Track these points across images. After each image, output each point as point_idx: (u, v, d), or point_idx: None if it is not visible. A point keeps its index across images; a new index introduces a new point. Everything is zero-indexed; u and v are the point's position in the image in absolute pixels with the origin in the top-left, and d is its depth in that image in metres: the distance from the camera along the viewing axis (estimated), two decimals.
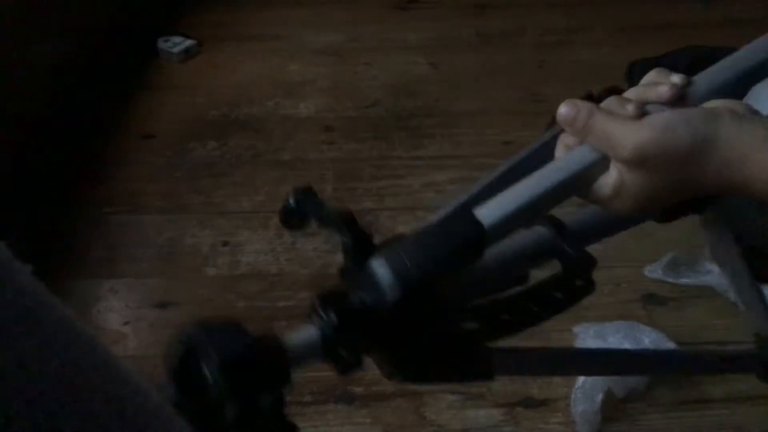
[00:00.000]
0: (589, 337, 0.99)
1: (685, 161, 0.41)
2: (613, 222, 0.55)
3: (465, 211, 0.43)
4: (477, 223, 0.43)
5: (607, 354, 0.58)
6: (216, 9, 1.85)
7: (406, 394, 0.97)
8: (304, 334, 0.41)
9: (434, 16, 1.81)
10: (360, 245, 0.44)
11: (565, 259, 0.48)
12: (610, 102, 0.44)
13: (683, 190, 0.42)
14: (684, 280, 1.11)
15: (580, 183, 0.44)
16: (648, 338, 0.99)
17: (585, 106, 0.44)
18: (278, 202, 1.17)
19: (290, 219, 0.47)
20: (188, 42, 1.69)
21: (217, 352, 0.37)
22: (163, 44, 1.68)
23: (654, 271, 1.12)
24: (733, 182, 0.40)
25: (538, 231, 0.50)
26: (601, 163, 0.43)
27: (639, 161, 0.41)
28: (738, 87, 0.47)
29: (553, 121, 0.77)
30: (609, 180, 0.43)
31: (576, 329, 1.02)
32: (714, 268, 1.09)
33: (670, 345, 0.98)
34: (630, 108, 0.43)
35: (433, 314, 0.43)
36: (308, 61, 1.67)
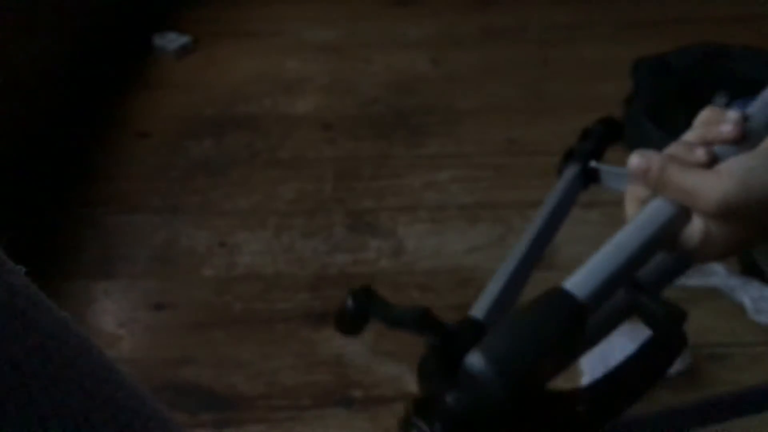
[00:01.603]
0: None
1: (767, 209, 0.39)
2: (680, 262, 0.53)
3: (554, 288, 0.41)
4: (574, 299, 0.40)
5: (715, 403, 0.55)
6: (212, 5, 1.84)
7: (406, 398, 0.96)
8: None
9: (435, 12, 1.79)
10: (448, 342, 0.41)
11: (652, 318, 0.45)
12: (676, 148, 0.43)
13: (766, 236, 0.41)
14: (689, 282, 1.09)
15: (664, 238, 0.43)
16: None
17: (657, 158, 0.42)
18: (276, 202, 1.16)
19: (349, 322, 0.44)
20: (184, 39, 1.68)
21: None
22: (158, 41, 1.66)
23: None
24: None
25: (624, 302, 0.46)
26: (683, 215, 0.42)
27: (723, 214, 0.40)
28: None
29: (567, 156, 0.76)
30: (694, 232, 0.42)
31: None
32: (720, 269, 1.08)
33: None
34: (701, 153, 0.42)
35: (542, 405, 0.40)
36: (306, 57, 1.65)
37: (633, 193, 0.45)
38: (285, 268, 1.15)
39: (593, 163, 0.71)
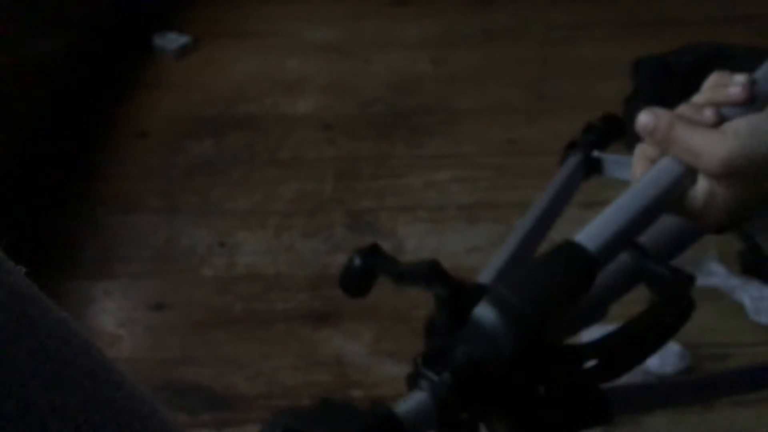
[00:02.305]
0: (593, 338, 0.98)
1: None
2: (689, 232, 0.53)
3: (565, 240, 0.41)
4: (585, 250, 0.40)
5: (723, 377, 0.56)
6: (212, 5, 1.84)
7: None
8: (415, 401, 0.37)
9: (435, 12, 1.79)
10: (458, 295, 0.40)
11: (660, 283, 0.45)
12: (685, 109, 0.43)
13: None
14: None
15: (671, 198, 0.43)
16: None
17: (665, 115, 0.42)
18: (276, 202, 1.16)
19: (355, 281, 0.43)
20: (184, 38, 1.67)
21: None
22: (158, 41, 1.66)
23: None
24: None
25: (620, 257, 0.47)
26: (690, 175, 0.42)
27: (728, 173, 0.40)
28: None
29: (569, 146, 0.76)
30: (699, 193, 0.42)
31: (582, 331, 1.00)
32: (720, 269, 1.08)
33: (676, 347, 0.97)
34: (708, 114, 0.42)
35: (552, 359, 0.39)
36: (307, 57, 1.65)
37: (642, 151, 0.45)
38: (285, 268, 1.15)
39: (596, 153, 0.71)
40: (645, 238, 0.49)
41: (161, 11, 1.78)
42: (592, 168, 0.72)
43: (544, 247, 0.51)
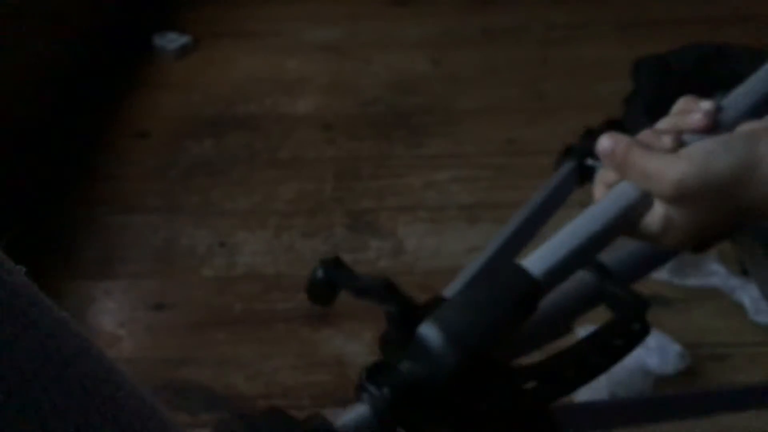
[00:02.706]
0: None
1: (729, 189, 0.39)
2: (655, 255, 0.53)
3: (510, 263, 0.41)
4: (527, 275, 0.40)
5: (674, 399, 0.56)
6: (212, 5, 1.84)
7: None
8: (355, 414, 0.38)
9: (435, 12, 1.79)
10: (405, 312, 0.41)
11: (617, 303, 0.45)
12: (645, 135, 0.43)
13: (732, 218, 0.41)
14: (690, 281, 1.09)
15: (626, 222, 0.43)
16: (653, 340, 0.98)
17: (623, 139, 0.42)
18: (276, 202, 1.16)
19: (319, 292, 0.45)
20: (184, 38, 1.67)
21: None
22: (158, 41, 1.66)
23: (660, 272, 1.10)
24: None
25: (581, 277, 0.47)
26: (645, 200, 0.42)
27: (680, 197, 0.40)
28: None
29: (565, 152, 0.76)
30: (655, 217, 0.42)
31: (580, 331, 1.00)
32: (720, 269, 1.08)
33: (676, 347, 0.97)
34: (666, 141, 0.42)
35: (491, 379, 0.40)
36: (306, 57, 1.65)
37: (602, 177, 0.45)
38: (285, 268, 1.15)
39: (590, 161, 0.71)
40: (609, 259, 0.49)
41: (161, 11, 1.78)
42: (585, 176, 0.72)
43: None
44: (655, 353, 0.96)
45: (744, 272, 1.07)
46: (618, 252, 0.51)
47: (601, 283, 0.47)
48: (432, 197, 1.27)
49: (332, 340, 1.02)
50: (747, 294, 1.05)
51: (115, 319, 1.08)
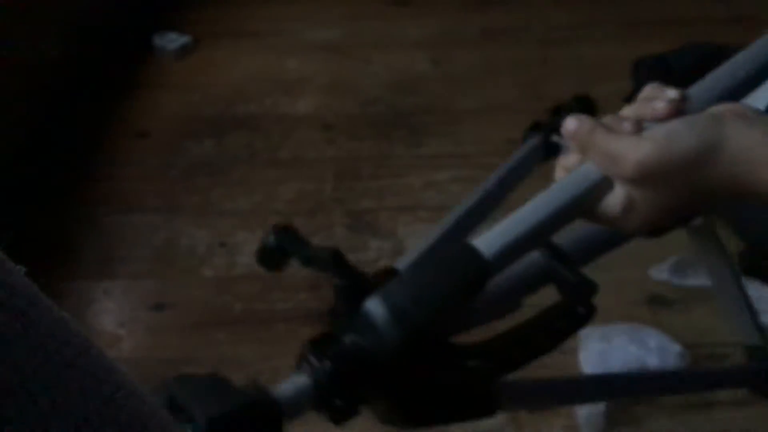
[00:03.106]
0: (594, 339, 0.98)
1: (692, 170, 0.39)
2: (608, 239, 0.53)
3: (462, 242, 0.41)
4: (478, 255, 0.40)
5: (612, 379, 0.55)
6: (212, 5, 1.84)
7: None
8: (295, 384, 0.39)
9: (435, 12, 1.79)
10: (353, 285, 0.41)
11: (565, 286, 0.46)
12: (608, 119, 0.43)
13: (695, 200, 0.41)
14: (690, 282, 1.09)
15: (584, 205, 0.42)
16: (653, 340, 0.98)
17: (587, 121, 0.42)
18: (276, 202, 1.16)
19: (269, 258, 0.45)
20: (184, 38, 1.67)
21: (205, 411, 0.34)
22: (158, 41, 1.66)
23: (660, 273, 1.11)
24: (744, 185, 0.39)
25: (533, 257, 0.48)
26: (605, 182, 0.42)
27: (643, 177, 0.40)
28: (735, 96, 0.46)
29: (532, 127, 0.75)
30: (616, 199, 0.41)
31: (580, 331, 1.00)
32: None
33: (676, 347, 0.97)
34: (627, 125, 0.42)
35: (435, 355, 0.40)
36: (306, 57, 1.65)
37: (563, 162, 0.45)
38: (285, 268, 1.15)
39: (555, 138, 0.71)
40: (563, 240, 0.49)
41: (161, 11, 1.78)
42: (550, 152, 0.71)
43: (483, 229, 0.51)
44: (655, 353, 0.96)
45: (744, 272, 1.07)
46: (572, 234, 0.51)
47: (551, 264, 0.47)
48: (432, 197, 1.27)
49: None
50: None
51: (115, 319, 1.08)
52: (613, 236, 0.53)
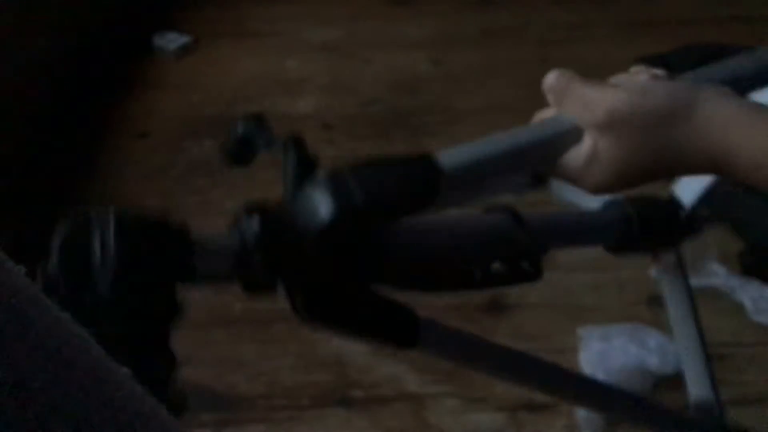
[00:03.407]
0: (594, 339, 0.98)
1: (662, 124, 0.39)
2: (573, 229, 0.54)
3: (426, 155, 0.42)
4: (434, 164, 0.40)
5: (537, 365, 0.53)
6: (212, 5, 1.84)
7: (406, 398, 0.96)
8: (219, 235, 0.38)
9: (435, 12, 1.79)
10: (303, 167, 0.41)
11: (516, 243, 0.47)
12: (590, 79, 0.44)
13: (660, 159, 0.41)
14: (690, 282, 1.09)
15: (549, 151, 0.43)
16: (653, 340, 0.98)
17: (567, 72, 0.44)
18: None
19: (237, 151, 0.44)
20: (184, 38, 1.67)
21: (115, 221, 0.34)
22: (158, 41, 1.66)
23: (659, 272, 1.10)
24: (714, 152, 0.39)
25: (497, 217, 0.49)
26: (574, 133, 0.42)
27: (612, 123, 0.40)
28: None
29: None
30: (581, 152, 0.42)
31: (580, 331, 1.00)
32: (720, 269, 1.08)
33: (675, 347, 0.97)
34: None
35: (366, 258, 0.40)
36: (307, 57, 1.65)
37: (538, 116, 0.46)
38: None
39: None
40: (531, 216, 0.50)
41: (161, 11, 1.78)
42: None
43: None
44: (655, 353, 0.96)
45: (744, 272, 1.07)
46: (541, 213, 0.52)
47: (513, 227, 0.47)
48: None
49: (332, 340, 1.02)
50: (747, 294, 1.05)
51: None
52: (578, 229, 0.54)
